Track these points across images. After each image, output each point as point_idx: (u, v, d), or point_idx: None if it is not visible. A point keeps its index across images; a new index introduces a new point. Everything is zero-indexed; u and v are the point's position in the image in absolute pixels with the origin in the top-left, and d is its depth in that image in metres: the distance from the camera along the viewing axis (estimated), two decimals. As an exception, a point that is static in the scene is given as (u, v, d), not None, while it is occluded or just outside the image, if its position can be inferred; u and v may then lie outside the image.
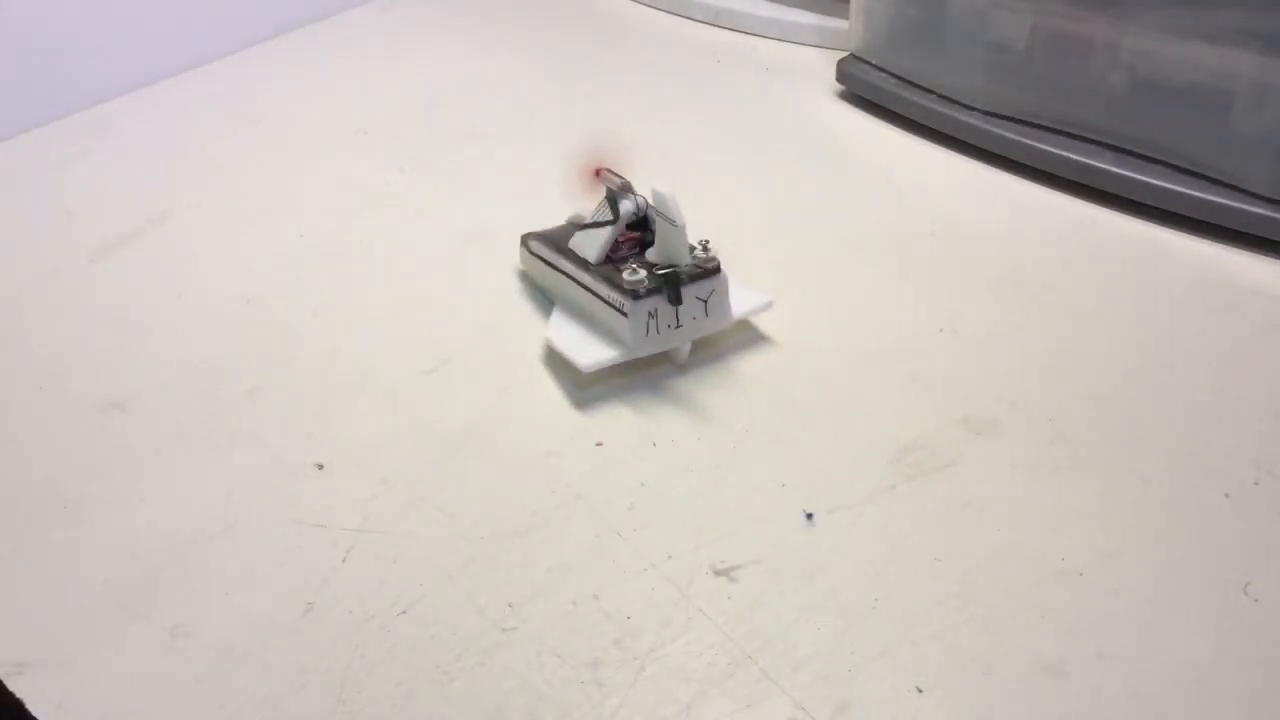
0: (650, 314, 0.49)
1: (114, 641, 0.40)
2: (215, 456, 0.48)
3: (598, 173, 0.51)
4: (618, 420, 0.49)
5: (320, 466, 0.47)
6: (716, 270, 0.50)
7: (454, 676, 0.39)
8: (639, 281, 0.48)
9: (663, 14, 0.86)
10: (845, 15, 0.74)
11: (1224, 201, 0.59)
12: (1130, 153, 0.63)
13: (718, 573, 0.42)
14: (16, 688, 0.38)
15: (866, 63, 0.73)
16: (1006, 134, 0.66)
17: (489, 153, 0.70)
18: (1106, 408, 0.50)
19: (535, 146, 0.71)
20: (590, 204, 0.53)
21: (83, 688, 0.38)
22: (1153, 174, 0.62)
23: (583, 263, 0.51)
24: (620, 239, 0.51)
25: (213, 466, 0.47)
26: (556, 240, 0.54)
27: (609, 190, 0.50)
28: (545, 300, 0.56)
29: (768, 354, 0.53)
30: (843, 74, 0.74)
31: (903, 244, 0.61)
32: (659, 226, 0.49)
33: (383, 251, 0.61)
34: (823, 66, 0.76)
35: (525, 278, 0.58)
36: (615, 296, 0.49)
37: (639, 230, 0.51)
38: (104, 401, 0.50)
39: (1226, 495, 0.45)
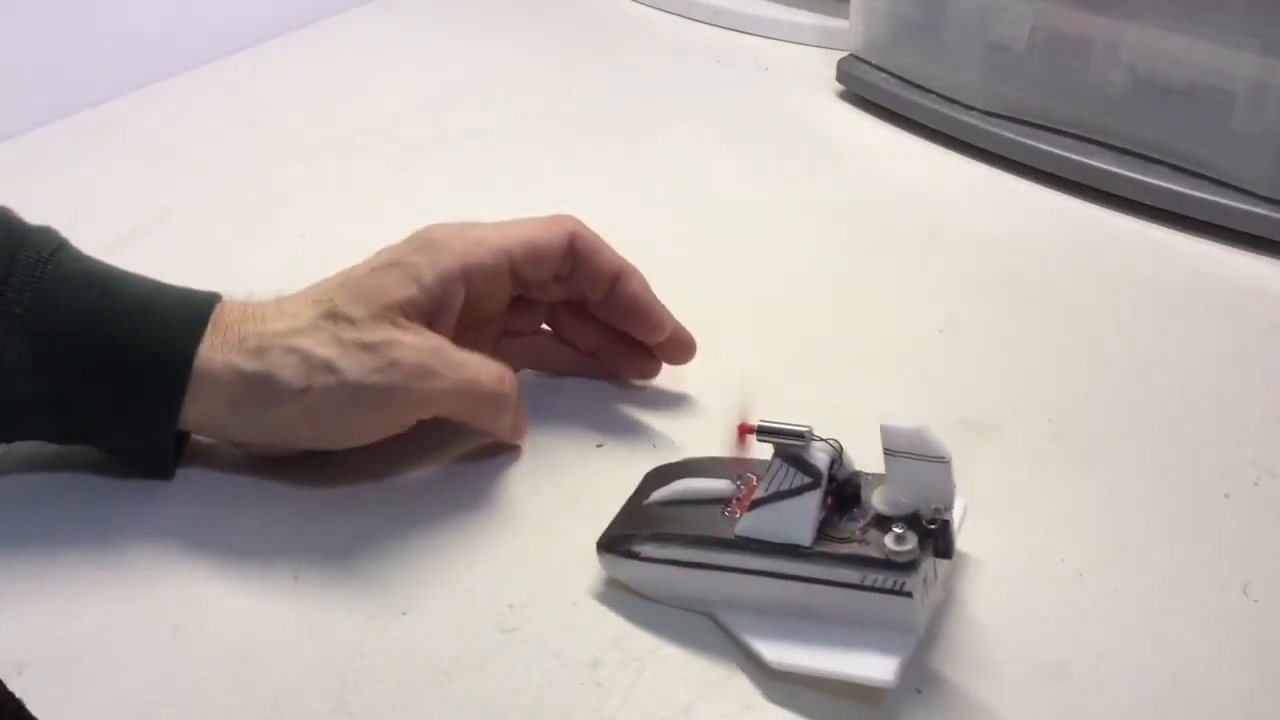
0: (924, 580, 0.37)
1: (114, 641, 0.40)
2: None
3: (747, 432, 0.39)
4: (617, 421, 0.49)
5: (320, 467, 0.47)
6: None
7: (454, 676, 0.39)
8: (912, 551, 0.36)
9: (663, 14, 0.86)
10: (845, 15, 0.74)
11: (1224, 201, 0.59)
12: (1130, 153, 0.63)
13: (718, 573, 0.42)
14: (16, 688, 0.38)
15: (866, 63, 0.73)
16: (1006, 134, 0.66)
17: (489, 153, 0.70)
18: (1106, 408, 0.50)
19: (535, 146, 0.71)
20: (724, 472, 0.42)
21: (83, 688, 0.38)
22: (1153, 174, 0.62)
23: (783, 550, 0.38)
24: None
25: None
26: (687, 531, 0.40)
27: (784, 450, 0.38)
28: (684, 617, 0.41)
29: (767, 354, 0.53)
30: (843, 74, 0.74)
31: (903, 244, 0.61)
32: (901, 468, 0.37)
33: (383, 251, 0.60)
34: (823, 66, 0.76)
35: (620, 589, 0.42)
36: (878, 578, 0.37)
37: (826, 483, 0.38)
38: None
39: (1226, 495, 0.45)
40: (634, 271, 0.48)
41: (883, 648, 0.37)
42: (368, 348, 0.42)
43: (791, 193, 0.66)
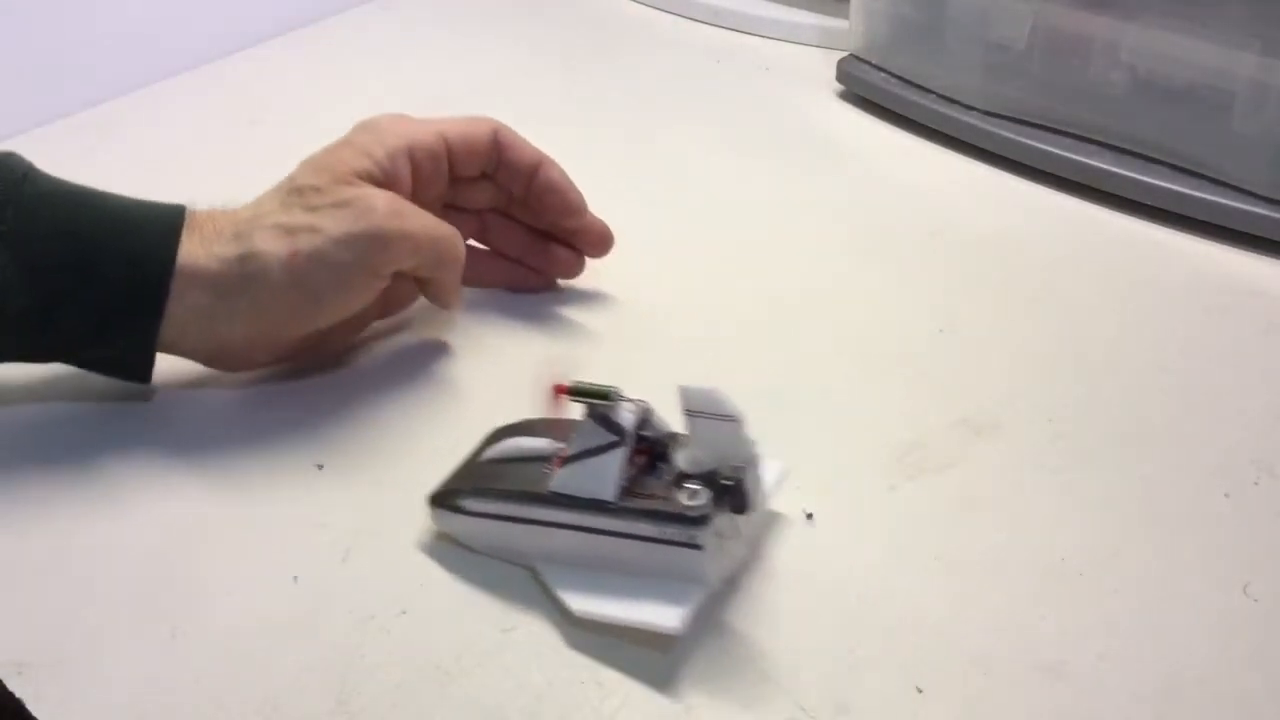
0: (718, 535, 0.40)
1: (114, 641, 0.40)
2: (215, 456, 0.48)
3: (561, 392, 0.40)
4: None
5: (320, 466, 0.47)
6: (757, 456, 0.40)
7: (454, 676, 0.39)
8: (704, 506, 0.39)
9: (663, 14, 0.86)
10: (845, 15, 0.74)
11: (1224, 201, 0.59)
12: (1130, 153, 0.63)
13: (718, 573, 0.42)
14: (16, 688, 0.38)
15: (866, 63, 0.73)
16: (1006, 134, 0.66)
17: (489, 153, 0.70)
18: (1106, 408, 0.50)
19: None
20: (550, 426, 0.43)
21: (83, 688, 0.38)
22: (1153, 174, 0.62)
23: (589, 505, 0.40)
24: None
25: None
26: (509, 486, 0.42)
27: (593, 410, 0.40)
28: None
29: (766, 354, 0.53)
30: (843, 74, 0.74)
31: (903, 244, 0.61)
32: (698, 427, 0.39)
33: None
34: (823, 66, 0.76)
35: (448, 542, 0.43)
36: (671, 530, 0.39)
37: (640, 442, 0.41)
38: (104, 401, 0.50)
39: (1226, 495, 0.45)
40: (551, 160, 0.53)
41: (674, 598, 0.39)
42: (340, 204, 0.46)
43: (791, 193, 0.66)
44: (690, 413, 0.39)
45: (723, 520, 0.39)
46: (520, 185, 0.53)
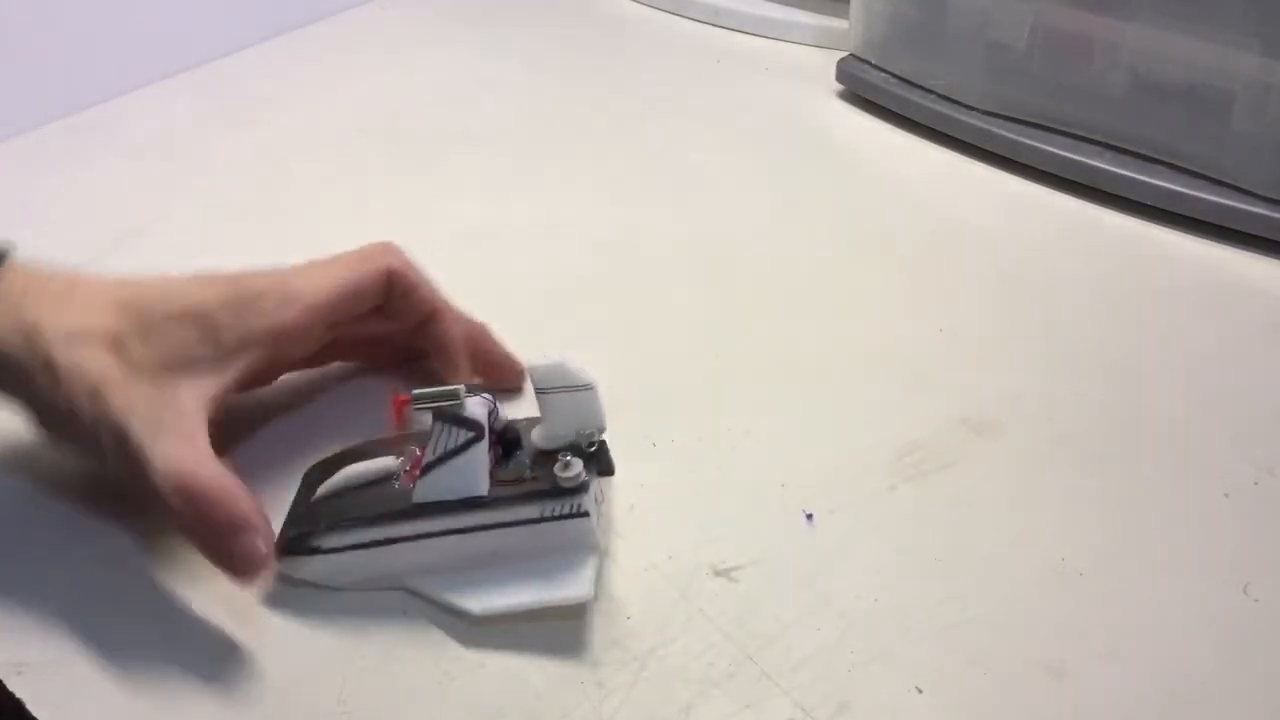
0: (595, 499, 0.41)
1: (114, 641, 0.40)
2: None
3: (403, 403, 0.40)
4: (617, 420, 0.49)
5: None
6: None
7: (454, 676, 0.39)
8: (578, 476, 0.39)
9: (663, 14, 0.86)
10: (845, 15, 0.74)
11: (1224, 201, 0.59)
12: (1130, 153, 0.63)
13: (718, 573, 0.42)
14: (16, 688, 0.38)
15: (866, 63, 0.73)
16: (1006, 134, 0.66)
17: (490, 153, 0.70)
18: (1106, 408, 0.50)
19: (536, 147, 0.71)
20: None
21: (83, 688, 0.38)
22: (1153, 174, 0.62)
23: (462, 505, 0.39)
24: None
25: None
26: (363, 511, 0.41)
27: (442, 411, 0.39)
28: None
29: (766, 354, 0.53)
30: (843, 74, 0.74)
31: (903, 244, 0.61)
32: (553, 403, 0.39)
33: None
34: (823, 66, 0.76)
35: (294, 587, 0.41)
36: (554, 506, 0.39)
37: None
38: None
39: (1226, 495, 0.45)
40: (448, 310, 0.47)
41: (572, 570, 0.40)
42: (110, 414, 0.39)
43: (791, 193, 0.66)
44: (542, 390, 0.39)
45: (594, 484, 0.40)
46: (409, 325, 0.47)
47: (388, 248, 0.46)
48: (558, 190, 0.66)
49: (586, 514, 0.39)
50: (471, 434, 0.39)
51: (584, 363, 0.39)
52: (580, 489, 0.39)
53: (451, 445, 0.39)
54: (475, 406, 0.39)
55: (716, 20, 0.84)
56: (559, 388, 0.39)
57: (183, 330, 0.41)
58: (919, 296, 0.57)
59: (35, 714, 0.37)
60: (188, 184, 0.67)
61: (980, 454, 0.47)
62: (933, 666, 0.39)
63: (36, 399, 0.40)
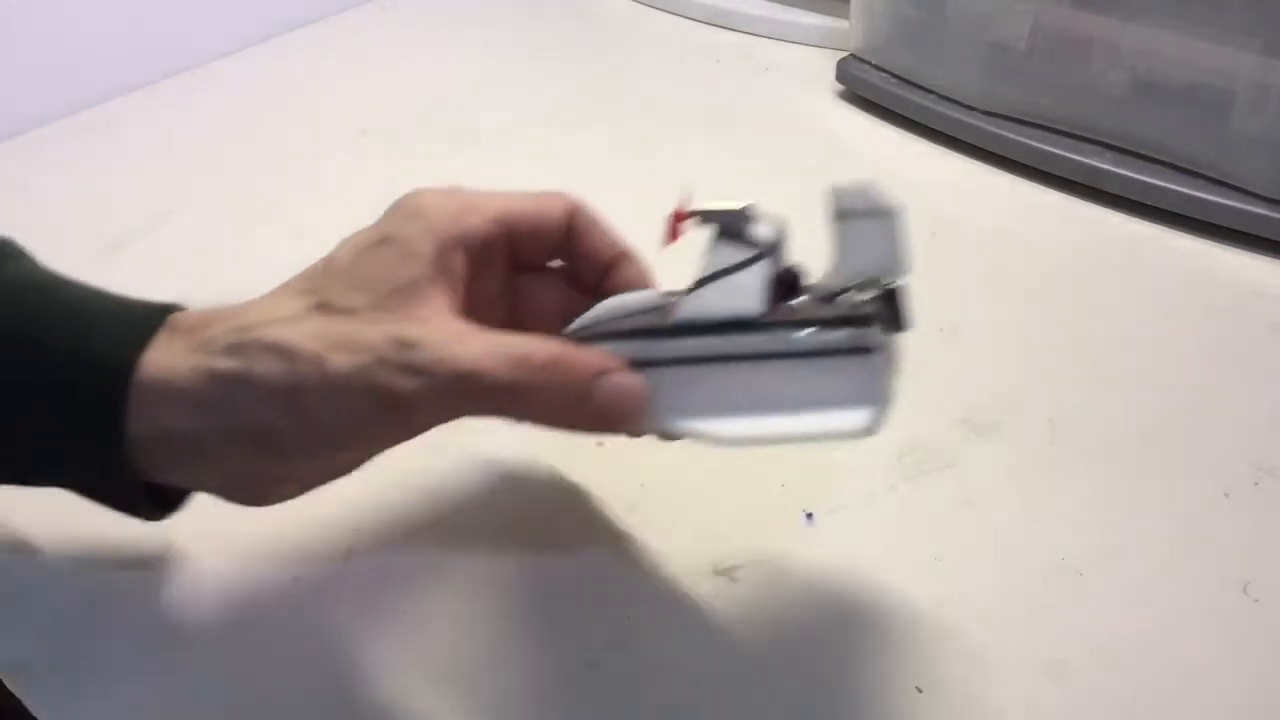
0: (885, 345, 0.34)
1: (114, 641, 0.40)
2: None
3: (683, 217, 0.35)
4: (618, 420, 0.49)
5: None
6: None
7: (454, 676, 0.39)
8: (871, 304, 0.33)
9: (662, 14, 0.86)
10: (845, 15, 0.74)
11: (1224, 201, 0.59)
12: (1130, 153, 0.63)
13: (718, 573, 0.42)
14: (16, 688, 0.38)
15: (866, 63, 0.73)
16: (1006, 134, 0.66)
17: (489, 153, 0.70)
18: (1106, 408, 0.50)
19: (535, 146, 0.71)
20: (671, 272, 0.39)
21: (83, 688, 0.38)
22: (1153, 174, 0.62)
23: (730, 326, 0.34)
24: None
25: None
26: (617, 329, 0.36)
27: (723, 226, 0.35)
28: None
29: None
30: (843, 74, 0.74)
31: (903, 244, 0.61)
32: (852, 231, 0.34)
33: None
34: (823, 66, 0.76)
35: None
36: (836, 337, 0.33)
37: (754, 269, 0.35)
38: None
39: (1226, 495, 0.45)
40: (634, 257, 0.42)
41: (852, 405, 0.33)
42: (367, 343, 0.34)
43: (791, 192, 0.66)
44: (842, 214, 0.34)
45: (893, 335, 0.34)
46: (593, 277, 0.41)
47: (563, 194, 0.41)
48: (556, 190, 0.66)
49: (871, 349, 0.33)
50: (754, 251, 0.34)
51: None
52: (869, 320, 0.33)
53: (729, 262, 0.34)
54: (764, 227, 0.35)
55: (716, 20, 0.84)
56: (862, 212, 0.33)
57: (378, 255, 0.36)
58: (919, 296, 0.57)
59: (35, 714, 0.37)
60: (188, 184, 0.67)
61: (980, 454, 0.47)
62: (933, 666, 0.39)
63: (257, 431, 0.34)
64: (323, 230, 0.63)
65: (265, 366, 0.34)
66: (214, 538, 0.44)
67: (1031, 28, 0.64)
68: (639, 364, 0.34)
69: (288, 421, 0.34)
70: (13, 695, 0.38)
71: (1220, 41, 0.58)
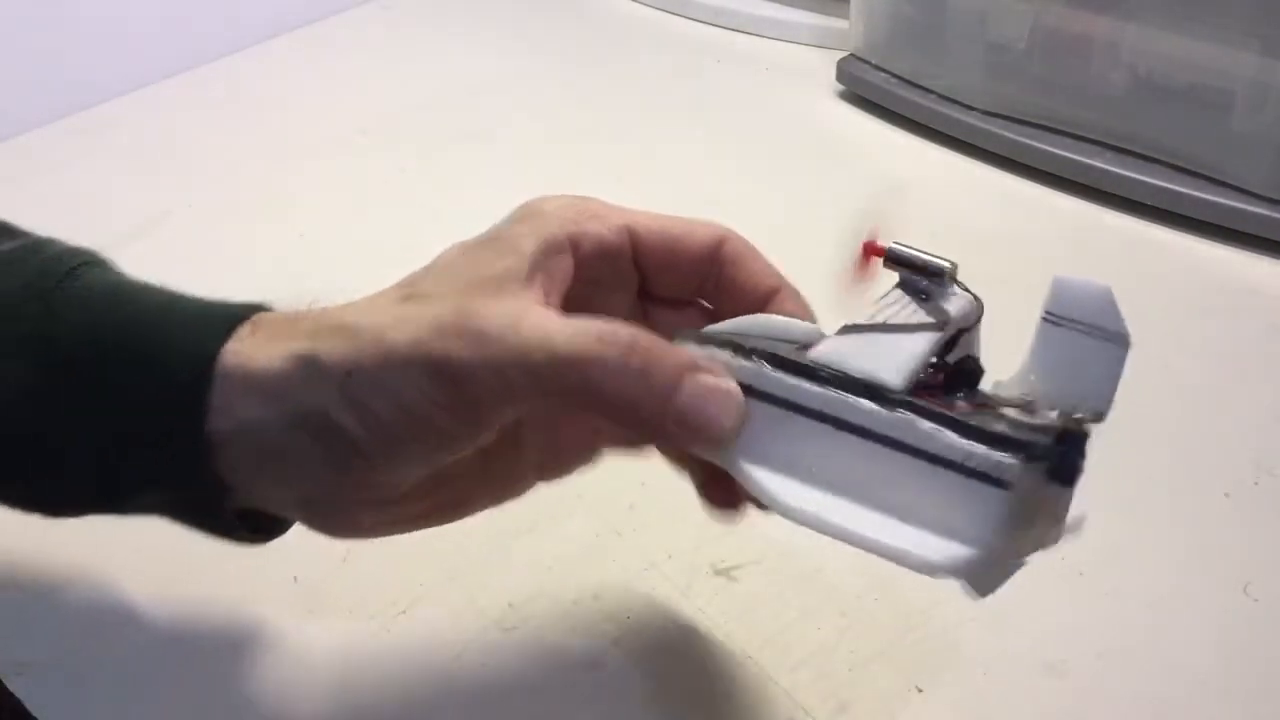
0: (1032, 494, 0.26)
1: (114, 641, 0.40)
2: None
3: (873, 253, 0.31)
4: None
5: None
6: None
7: (454, 676, 0.39)
8: (1045, 428, 0.26)
9: (663, 14, 0.86)
10: (845, 15, 0.74)
11: (1224, 201, 0.59)
12: (1130, 153, 0.63)
13: (718, 573, 0.42)
14: (16, 688, 0.38)
15: (866, 63, 0.73)
16: (1006, 134, 0.66)
17: (489, 153, 0.70)
18: (1106, 408, 0.50)
19: (536, 146, 0.71)
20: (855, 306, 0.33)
21: (83, 688, 0.38)
22: (1153, 174, 0.62)
23: (860, 387, 0.28)
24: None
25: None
26: (741, 344, 0.30)
27: (910, 283, 0.30)
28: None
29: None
30: (843, 74, 0.74)
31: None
32: (1061, 340, 0.29)
33: (383, 251, 0.60)
34: (823, 66, 0.76)
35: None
36: (976, 451, 0.26)
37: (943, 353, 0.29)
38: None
39: (1226, 495, 0.45)
40: (793, 290, 0.36)
41: (951, 533, 0.27)
42: (431, 315, 0.31)
43: (791, 193, 0.66)
44: (1053, 317, 0.29)
45: (1045, 483, 0.26)
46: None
47: (717, 223, 0.37)
48: (558, 190, 0.66)
49: (1006, 484, 0.26)
50: (930, 320, 0.29)
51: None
52: (1025, 448, 0.26)
53: (897, 320, 0.29)
54: (956, 297, 0.30)
55: (716, 20, 0.84)
56: (1087, 325, 0.28)
57: (480, 250, 0.33)
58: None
59: (35, 714, 0.37)
60: (188, 184, 0.67)
61: (980, 454, 0.47)
62: (933, 666, 0.39)
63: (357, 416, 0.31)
64: (323, 230, 0.63)
65: (330, 345, 0.32)
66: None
67: (1031, 28, 0.64)
68: (750, 391, 0.29)
69: (344, 402, 0.31)
70: (13, 695, 0.38)
71: (1220, 41, 0.58)
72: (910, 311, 0.29)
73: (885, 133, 0.71)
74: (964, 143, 0.68)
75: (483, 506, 0.36)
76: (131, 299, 0.35)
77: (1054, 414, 0.27)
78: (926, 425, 0.27)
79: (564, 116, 0.74)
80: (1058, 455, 0.26)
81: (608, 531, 0.44)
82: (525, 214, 0.35)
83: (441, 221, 0.63)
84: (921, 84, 0.70)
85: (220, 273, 0.59)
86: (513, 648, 0.40)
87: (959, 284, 0.30)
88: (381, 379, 0.31)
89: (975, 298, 0.30)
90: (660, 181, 0.67)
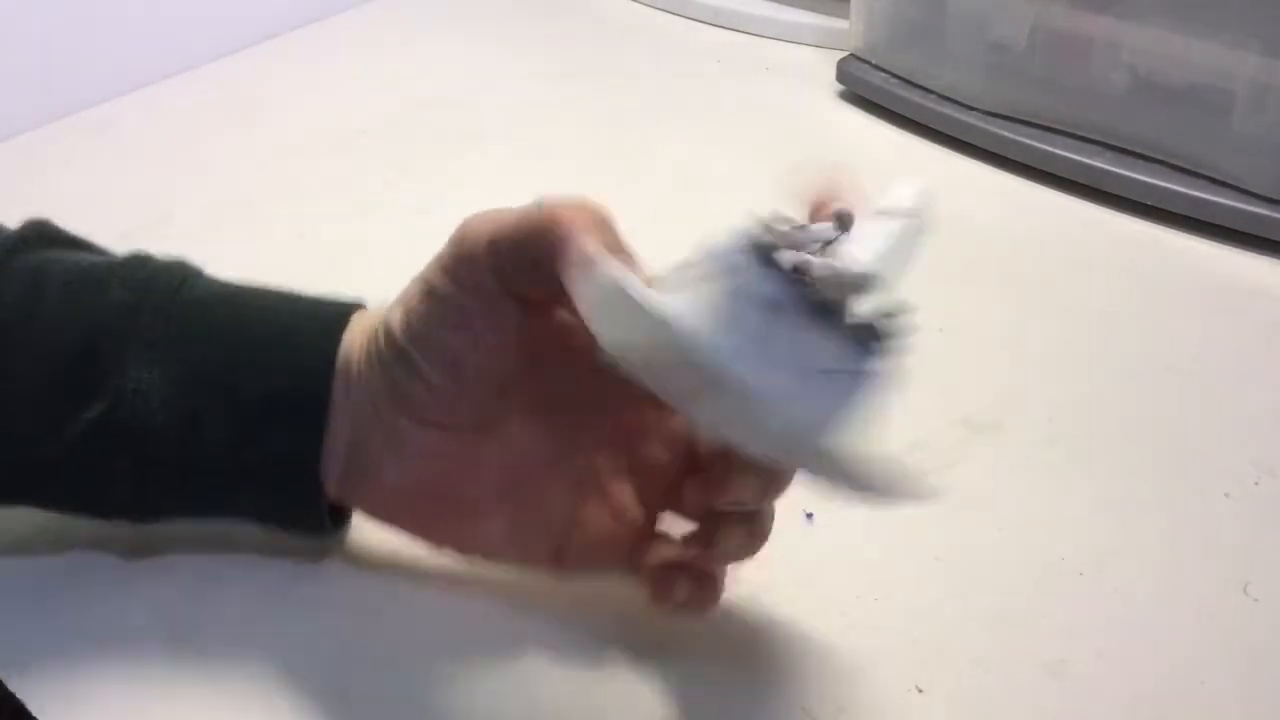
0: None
1: (114, 641, 0.40)
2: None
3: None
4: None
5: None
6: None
7: (454, 677, 0.39)
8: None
9: (663, 14, 0.86)
10: (845, 15, 0.74)
11: (1224, 201, 0.59)
12: (1130, 153, 0.63)
13: (718, 573, 0.42)
14: (16, 688, 0.38)
15: (866, 63, 0.73)
16: (1006, 134, 0.66)
17: (489, 153, 0.70)
18: (1106, 408, 0.50)
19: (535, 146, 0.71)
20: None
21: (83, 688, 0.38)
22: (1153, 174, 0.62)
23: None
24: None
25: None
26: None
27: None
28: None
29: (768, 354, 0.53)
30: (843, 74, 0.74)
31: (903, 244, 0.61)
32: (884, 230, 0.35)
33: (383, 251, 0.60)
34: (823, 66, 0.76)
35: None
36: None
37: None
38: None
39: (1226, 495, 0.45)
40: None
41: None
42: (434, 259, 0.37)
43: (791, 192, 0.66)
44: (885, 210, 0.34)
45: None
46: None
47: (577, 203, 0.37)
48: (558, 190, 0.66)
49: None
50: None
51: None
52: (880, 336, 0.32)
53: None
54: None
55: (716, 20, 0.84)
56: (904, 211, 0.33)
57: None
58: (919, 296, 0.57)
59: (35, 714, 0.37)
60: (188, 184, 0.67)
61: (980, 454, 0.47)
62: (933, 666, 0.39)
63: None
64: (323, 230, 0.63)
65: (390, 316, 0.37)
66: (213, 536, 0.44)
67: (1031, 28, 0.64)
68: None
69: (401, 354, 0.36)
70: (13, 695, 0.38)
71: (1220, 41, 0.58)
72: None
73: (885, 133, 0.71)
74: (964, 143, 0.68)
75: (493, 546, 0.39)
76: (246, 304, 0.40)
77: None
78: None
79: (563, 116, 0.74)
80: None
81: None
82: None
83: (441, 222, 0.63)
84: (922, 84, 0.70)
85: (220, 273, 0.59)
86: (513, 648, 0.40)
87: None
88: (417, 323, 0.36)
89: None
90: (659, 182, 0.67)
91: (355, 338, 0.38)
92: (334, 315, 0.39)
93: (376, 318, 0.38)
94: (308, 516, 0.39)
